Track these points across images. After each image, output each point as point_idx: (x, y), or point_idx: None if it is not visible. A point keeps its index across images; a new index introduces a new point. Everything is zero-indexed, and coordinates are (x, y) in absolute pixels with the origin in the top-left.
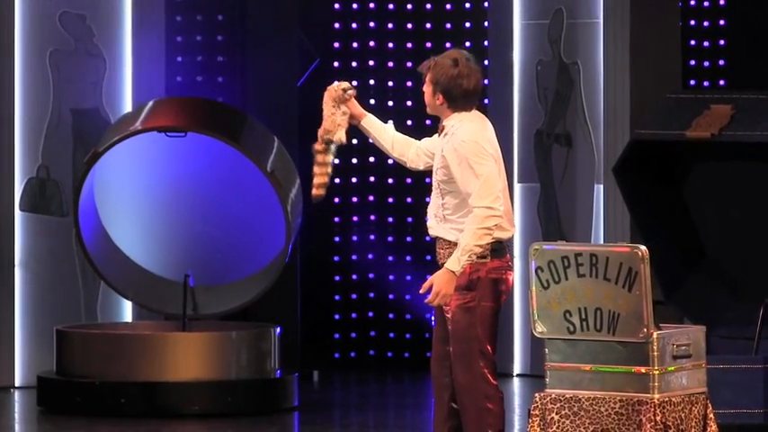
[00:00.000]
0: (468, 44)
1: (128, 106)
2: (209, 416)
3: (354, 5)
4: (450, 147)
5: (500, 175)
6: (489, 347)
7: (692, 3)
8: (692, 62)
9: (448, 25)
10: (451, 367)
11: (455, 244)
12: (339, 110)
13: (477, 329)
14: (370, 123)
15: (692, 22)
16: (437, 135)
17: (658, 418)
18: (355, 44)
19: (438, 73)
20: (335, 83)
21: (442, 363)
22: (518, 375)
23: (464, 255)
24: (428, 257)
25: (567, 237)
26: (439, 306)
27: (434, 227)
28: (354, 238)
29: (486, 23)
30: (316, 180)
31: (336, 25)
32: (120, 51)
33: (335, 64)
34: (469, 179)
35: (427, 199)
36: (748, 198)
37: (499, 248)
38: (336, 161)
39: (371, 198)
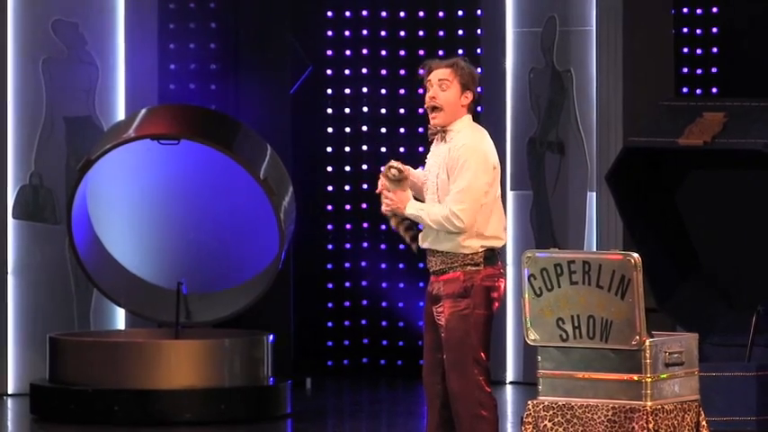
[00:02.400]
0: (460, 52)
1: (121, 114)
2: (202, 423)
3: (347, 13)
4: (455, 148)
5: (496, 184)
6: (483, 355)
7: (685, 10)
8: (685, 70)
9: (441, 33)
10: (445, 375)
11: (446, 252)
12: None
13: (471, 337)
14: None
15: (685, 30)
16: (430, 140)
17: (651, 426)
18: (348, 52)
19: (466, 74)
20: (384, 169)
21: (434, 370)
22: (511, 383)
23: (419, 214)
24: (421, 265)
25: (559, 244)
26: (429, 314)
27: (426, 236)
28: (347, 245)
29: (479, 31)
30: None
31: (329, 33)
32: (112, 59)
33: (328, 71)
34: (458, 179)
35: None
36: (741, 205)
37: (491, 256)
38: (330, 169)
39: (364, 206)
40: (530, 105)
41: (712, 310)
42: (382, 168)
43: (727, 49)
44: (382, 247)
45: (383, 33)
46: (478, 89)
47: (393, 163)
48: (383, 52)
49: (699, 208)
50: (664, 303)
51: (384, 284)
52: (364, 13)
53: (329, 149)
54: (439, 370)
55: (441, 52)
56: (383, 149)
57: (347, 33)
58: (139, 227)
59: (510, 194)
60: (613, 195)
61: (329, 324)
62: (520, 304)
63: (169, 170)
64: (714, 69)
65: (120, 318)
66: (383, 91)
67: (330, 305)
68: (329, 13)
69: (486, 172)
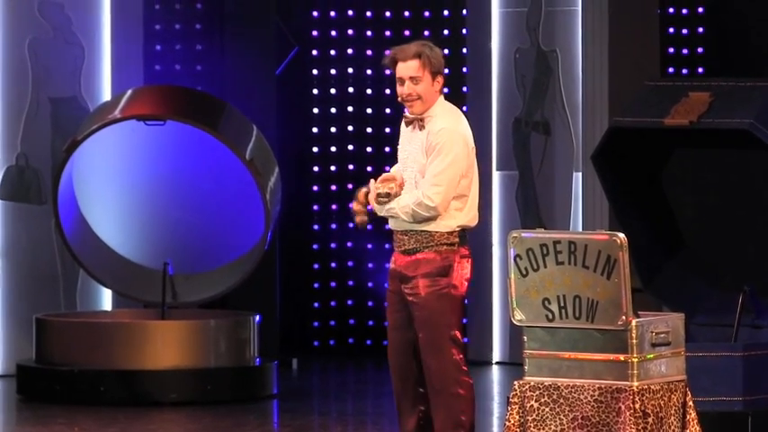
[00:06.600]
0: (446, 32)
1: (106, 94)
2: (188, 404)
3: None
4: (434, 132)
5: (474, 166)
6: (459, 334)
7: None
8: (671, 49)
9: (426, 13)
10: (421, 354)
11: (421, 231)
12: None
13: (448, 316)
14: None
15: (671, 10)
16: (405, 126)
17: (637, 406)
18: (334, 32)
19: (435, 61)
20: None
21: (406, 350)
22: (497, 363)
23: (390, 206)
24: None
25: (545, 224)
26: (396, 293)
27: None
28: (333, 226)
29: (464, 11)
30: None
31: (315, 13)
32: (98, 40)
33: (314, 52)
34: (435, 163)
35: None
36: (727, 185)
37: (464, 237)
38: (315, 150)
39: (350, 186)
40: (515, 85)
41: (698, 290)
42: (371, 189)
43: (713, 28)
44: (368, 227)
45: (369, 14)
46: (464, 69)
47: (380, 190)
48: (369, 33)
49: (685, 188)
50: (650, 283)
51: (370, 265)
52: None
53: (315, 130)
54: (410, 349)
55: (426, 32)
56: (369, 130)
57: (333, 14)
58: (125, 207)
59: (495, 175)
60: (599, 175)
61: (315, 304)
62: (506, 284)
63: (155, 151)
64: (700, 49)
65: (106, 298)
66: (369, 71)
67: (316, 285)
68: None
69: (465, 156)
